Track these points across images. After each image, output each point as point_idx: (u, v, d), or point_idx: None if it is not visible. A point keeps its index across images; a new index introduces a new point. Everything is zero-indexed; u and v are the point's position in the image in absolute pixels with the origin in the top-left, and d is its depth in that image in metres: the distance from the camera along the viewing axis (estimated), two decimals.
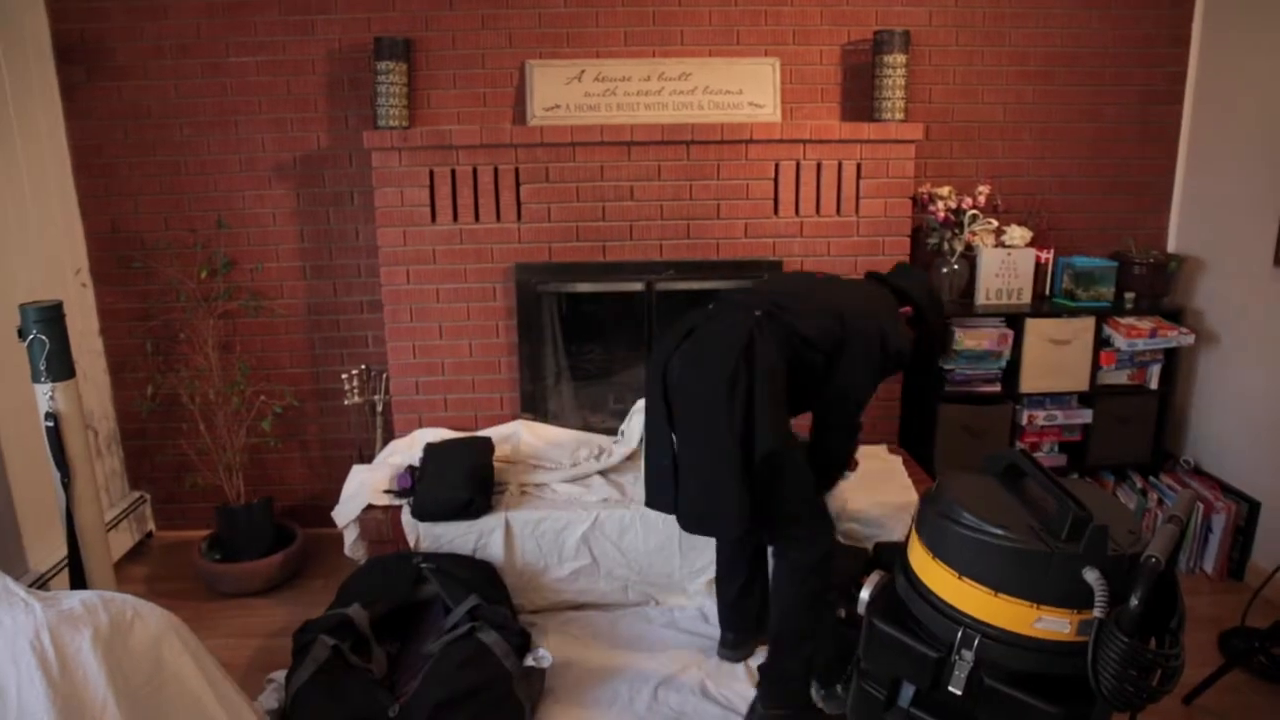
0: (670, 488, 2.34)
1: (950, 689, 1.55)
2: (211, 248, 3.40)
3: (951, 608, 1.57)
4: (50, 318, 2.49)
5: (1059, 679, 1.49)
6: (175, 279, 3.34)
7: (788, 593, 2.35)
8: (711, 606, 2.88)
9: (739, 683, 2.58)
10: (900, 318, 2.45)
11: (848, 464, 2.60)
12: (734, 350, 2.19)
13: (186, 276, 3.35)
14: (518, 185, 3.23)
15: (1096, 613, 1.39)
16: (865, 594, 1.75)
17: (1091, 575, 1.42)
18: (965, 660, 1.53)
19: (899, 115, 3.27)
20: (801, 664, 2.27)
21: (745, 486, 2.17)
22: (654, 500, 2.43)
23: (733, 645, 2.70)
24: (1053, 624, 1.47)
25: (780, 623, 2.37)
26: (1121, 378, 3.41)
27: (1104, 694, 1.38)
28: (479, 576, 2.72)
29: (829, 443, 2.46)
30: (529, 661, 2.42)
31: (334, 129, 3.36)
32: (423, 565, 2.71)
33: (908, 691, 1.66)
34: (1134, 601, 1.37)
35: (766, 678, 2.39)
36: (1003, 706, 1.51)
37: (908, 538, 1.75)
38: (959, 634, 1.54)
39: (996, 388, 3.38)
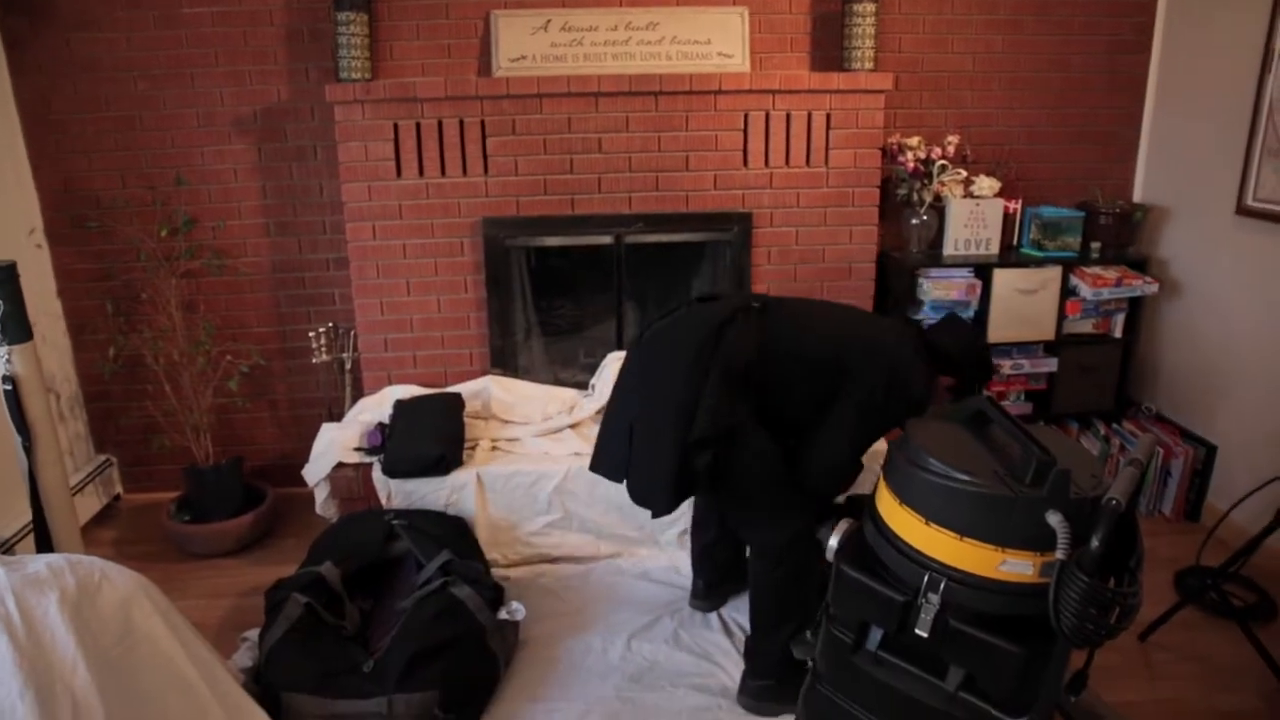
0: (617, 454, 2.27)
1: (917, 631, 1.59)
2: (171, 205, 3.32)
3: (918, 552, 1.60)
4: (3, 279, 2.43)
5: (1022, 619, 1.52)
6: (134, 238, 3.27)
7: (758, 577, 2.28)
8: (684, 558, 2.91)
9: (712, 632, 2.62)
10: (920, 368, 2.21)
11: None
12: (709, 327, 2.12)
13: (146, 235, 3.27)
14: (484, 138, 3.18)
15: (1059, 554, 1.42)
16: (833, 541, 1.77)
17: (1054, 518, 1.44)
18: (931, 603, 1.57)
19: (869, 65, 3.24)
20: (779, 644, 2.23)
21: (675, 466, 2.08)
22: (598, 464, 2.36)
23: (704, 595, 2.72)
24: (1017, 566, 1.51)
25: (753, 606, 2.32)
26: (1086, 327, 3.45)
27: (1065, 632, 1.42)
28: (451, 532, 2.73)
29: (811, 479, 2.21)
30: (502, 615, 2.44)
31: (294, 81, 3.28)
32: (394, 522, 2.70)
33: (875, 635, 1.70)
34: (1095, 543, 1.40)
35: (749, 654, 2.37)
36: (967, 647, 1.55)
37: (876, 485, 1.77)
38: (925, 578, 1.58)
39: None
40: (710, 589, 2.73)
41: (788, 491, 2.20)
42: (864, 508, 1.80)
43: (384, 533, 2.70)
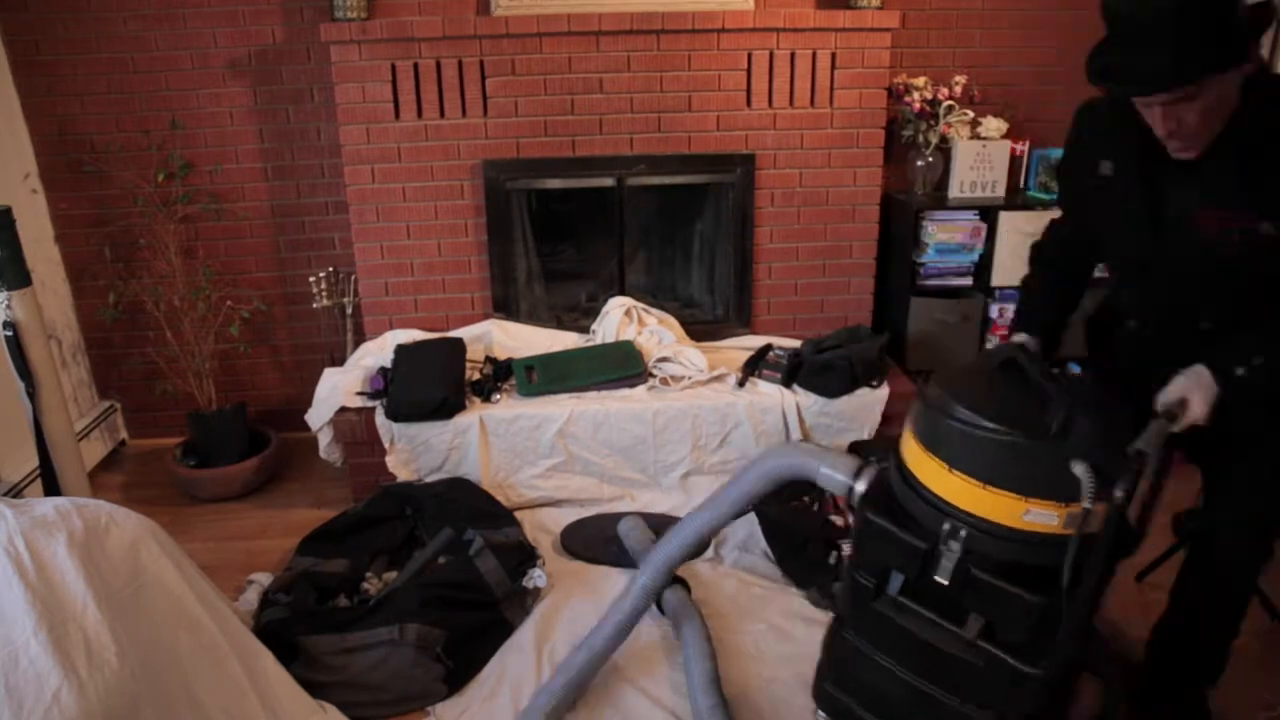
0: None
1: (937, 579, 1.58)
2: (167, 149, 3.28)
3: (941, 500, 1.58)
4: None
5: (1042, 569, 1.51)
6: (131, 183, 3.23)
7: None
8: (685, 500, 2.93)
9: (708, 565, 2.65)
10: None
11: None
12: None
13: (143, 180, 3.24)
14: (483, 79, 3.13)
15: (1084, 504, 1.42)
16: (860, 486, 1.75)
17: (1079, 468, 1.43)
18: (952, 551, 1.56)
19: (875, 2, 3.17)
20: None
21: None
22: None
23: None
24: (1040, 516, 1.49)
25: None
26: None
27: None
28: (473, 508, 2.73)
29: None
30: (525, 583, 2.46)
31: (289, 21, 3.21)
32: (409, 512, 2.74)
33: (896, 580, 1.68)
34: (1119, 494, 1.40)
35: None
36: (987, 595, 1.55)
37: (903, 432, 1.75)
38: (946, 525, 1.56)
39: (968, 281, 3.39)
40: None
41: None
42: (889, 453, 1.78)
43: (407, 528, 2.73)
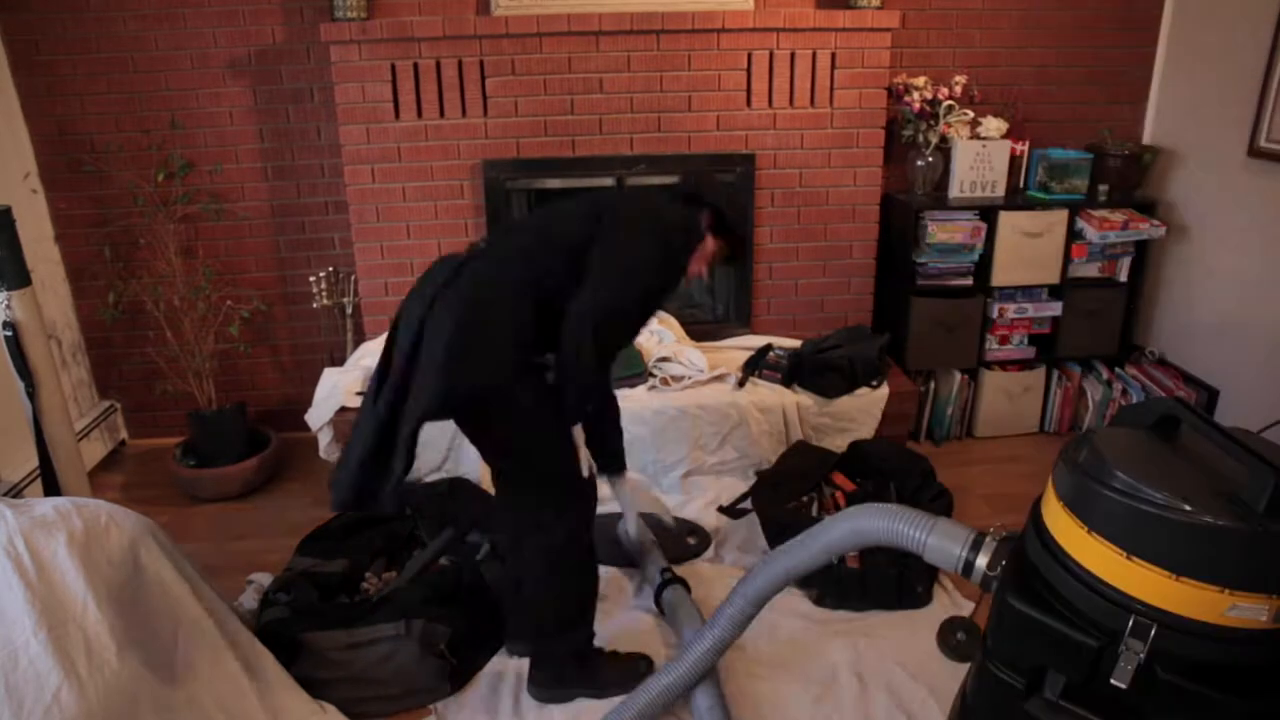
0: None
1: (1113, 682, 1.32)
2: (167, 149, 3.28)
3: (1117, 591, 1.33)
4: None
5: (1251, 667, 1.29)
6: (131, 182, 3.23)
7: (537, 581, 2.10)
8: (684, 500, 2.93)
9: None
10: (677, 208, 2.12)
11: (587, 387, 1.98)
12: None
13: (143, 180, 3.24)
14: (483, 78, 3.12)
15: None
16: (981, 562, 1.51)
17: None
18: (1134, 651, 1.30)
19: (875, 2, 3.17)
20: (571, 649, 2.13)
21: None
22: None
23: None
24: (1247, 612, 1.25)
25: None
26: (1092, 270, 3.42)
27: None
28: (473, 508, 2.71)
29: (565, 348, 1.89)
30: None
31: (289, 21, 3.21)
32: (416, 532, 2.72)
33: (1055, 681, 1.42)
34: None
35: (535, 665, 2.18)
36: (1180, 700, 1.31)
37: (1040, 500, 1.51)
38: (1129, 622, 1.31)
39: (968, 281, 3.39)
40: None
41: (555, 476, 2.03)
42: (1028, 518, 1.52)
43: (409, 530, 2.73)
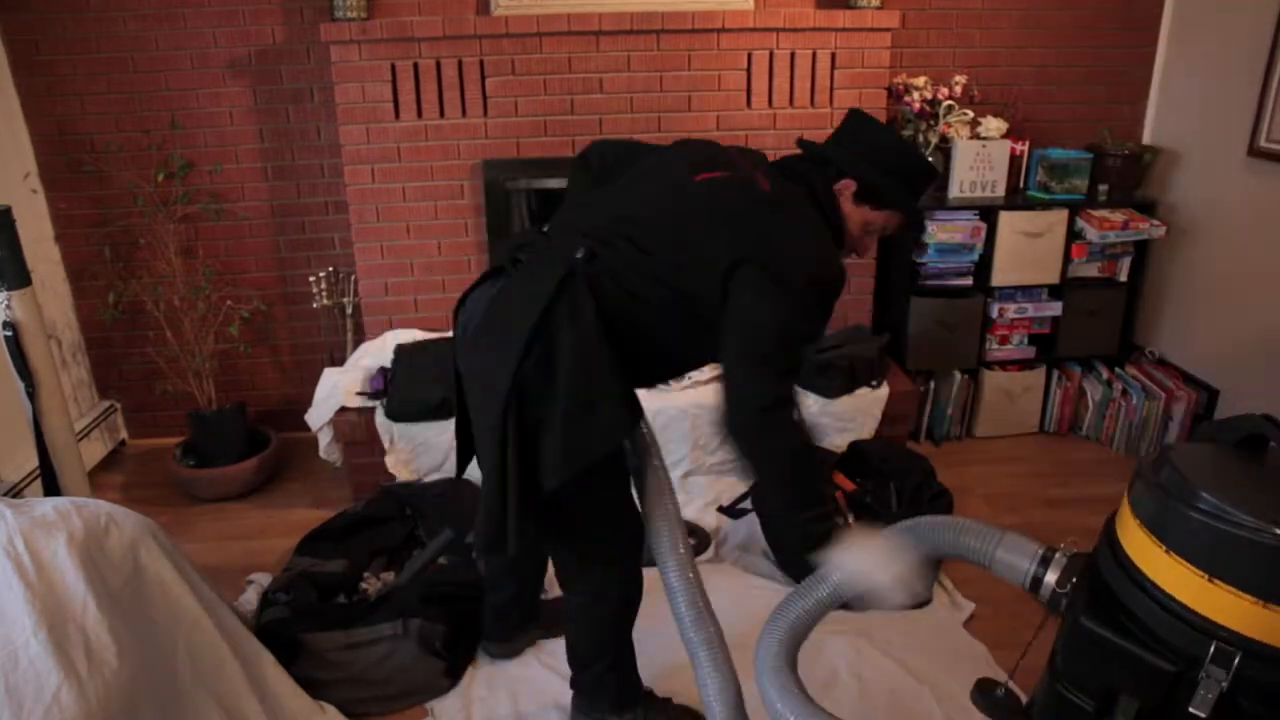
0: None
1: (1192, 710, 1.27)
2: (167, 149, 3.28)
3: (1197, 615, 1.28)
4: None
5: None
6: (131, 182, 3.23)
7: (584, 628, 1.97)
8: (684, 500, 2.93)
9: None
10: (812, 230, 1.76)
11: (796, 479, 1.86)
12: (525, 325, 1.62)
13: (143, 180, 3.24)
14: (483, 78, 3.12)
15: None
16: (1050, 578, 1.46)
17: None
18: (1215, 679, 1.26)
19: (875, 2, 3.17)
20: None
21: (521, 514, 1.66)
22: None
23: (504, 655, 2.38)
24: None
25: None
26: (1092, 270, 3.43)
27: None
28: (473, 509, 2.71)
29: (735, 418, 1.71)
30: None
31: (289, 21, 3.21)
32: (417, 532, 2.73)
33: (1129, 707, 1.37)
34: None
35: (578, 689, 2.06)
36: None
37: (1114, 516, 1.45)
38: (1211, 648, 1.27)
39: (968, 281, 3.39)
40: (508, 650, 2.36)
41: (613, 547, 1.87)
42: (1101, 535, 1.47)
43: (407, 529, 2.73)
